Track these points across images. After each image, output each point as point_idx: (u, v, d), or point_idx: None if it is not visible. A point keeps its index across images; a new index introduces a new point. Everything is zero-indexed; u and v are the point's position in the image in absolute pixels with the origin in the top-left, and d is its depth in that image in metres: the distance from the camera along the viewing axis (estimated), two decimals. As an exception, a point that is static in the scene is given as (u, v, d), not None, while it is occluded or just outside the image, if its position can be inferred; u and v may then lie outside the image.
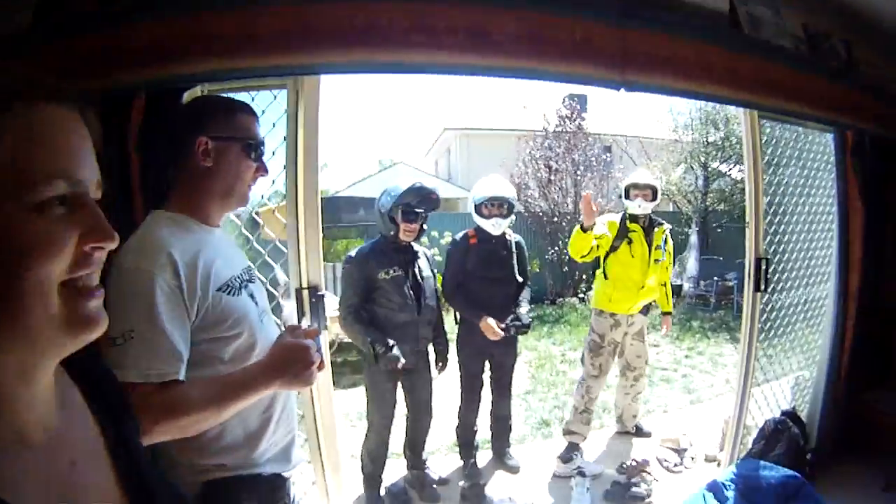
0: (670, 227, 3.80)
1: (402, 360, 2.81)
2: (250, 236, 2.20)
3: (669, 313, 3.98)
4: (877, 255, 3.01)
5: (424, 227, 3.06)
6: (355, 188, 17.29)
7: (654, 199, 3.66)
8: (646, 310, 3.74)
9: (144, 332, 1.10)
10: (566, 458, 3.32)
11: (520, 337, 3.42)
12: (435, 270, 3.23)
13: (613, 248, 3.64)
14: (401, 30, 1.61)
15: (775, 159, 3.02)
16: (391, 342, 2.81)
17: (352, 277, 2.93)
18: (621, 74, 1.81)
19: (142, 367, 1.10)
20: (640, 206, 3.62)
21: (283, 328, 1.44)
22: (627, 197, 3.69)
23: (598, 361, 3.68)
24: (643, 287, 3.58)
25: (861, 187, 2.91)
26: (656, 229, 3.71)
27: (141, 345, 1.10)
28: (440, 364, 3.23)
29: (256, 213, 2.24)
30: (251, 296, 1.38)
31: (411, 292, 2.96)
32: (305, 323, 1.43)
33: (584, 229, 3.30)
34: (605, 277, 3.68)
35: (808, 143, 3.14)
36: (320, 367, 1.34)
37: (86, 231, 0.55)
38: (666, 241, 3.73)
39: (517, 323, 3.22)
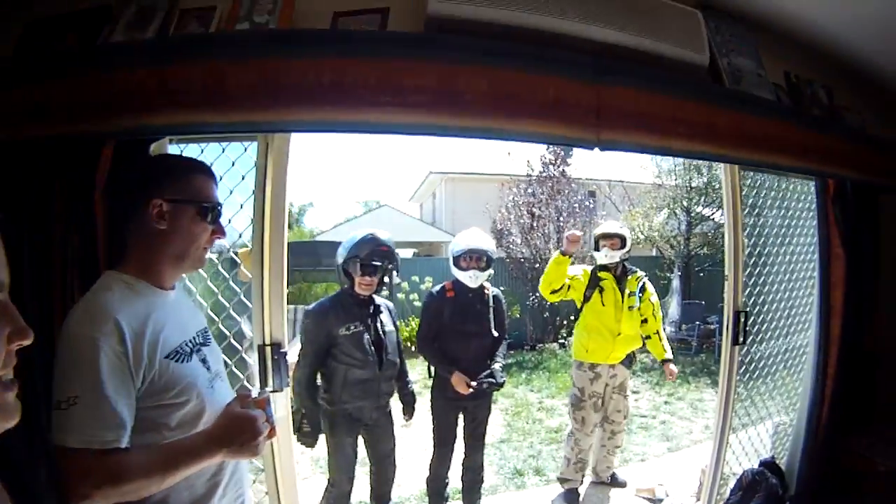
0: (646, 274, 3.81)
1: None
2: (227, 275, 2.14)
3: (669, 360, 3.86)
4: (858, 302, 2.98)
5: (386, 279, 2.98)
6: (339, 230, 17.30)
7: (623, 247, 3.70)
8: (628, 362, 3.71)
9: (88, 399, 1.09)
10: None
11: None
12: (397, 324, 3.15)
13: (586, 298, 3.68)
14: (368, 88, 1.56)
15: (759, 201, 3.01)
16: (316, 430, 2.87)
17: (311, 333, 2.85)
18: (596, 133, 1.77)
19: (85, 433, 1.09)
20: (606, 256, 3.67)
21: (247, 390, 1.41)
22: (596, 248, 3.74)
23: (580, 415, 3.69)
24: (619, 335, 3.57)
25: (843, 235, 2.88)
26: (629, 277, 3.73)
27: (84, 411, 1.09)
28: (407, 415, 3.18)
29: (235, 253, 2.18)
30: (203, 360, 1.35)
31: (372, 348, 2.86)
32: (255, 391, 1.38)
33: (563, 253, 3.41)
34: (582, 329, 3.72)
35: (790, 191, 3.13)
36: (270, 436, 1.33)
37: (13, 332, 0.57)
38: (643, 290, 3.73)
39: (490, 380, 3.18)
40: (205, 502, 1.31)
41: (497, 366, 3.25)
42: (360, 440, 3.03)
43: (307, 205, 27.59)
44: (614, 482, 3.95)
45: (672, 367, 3.84)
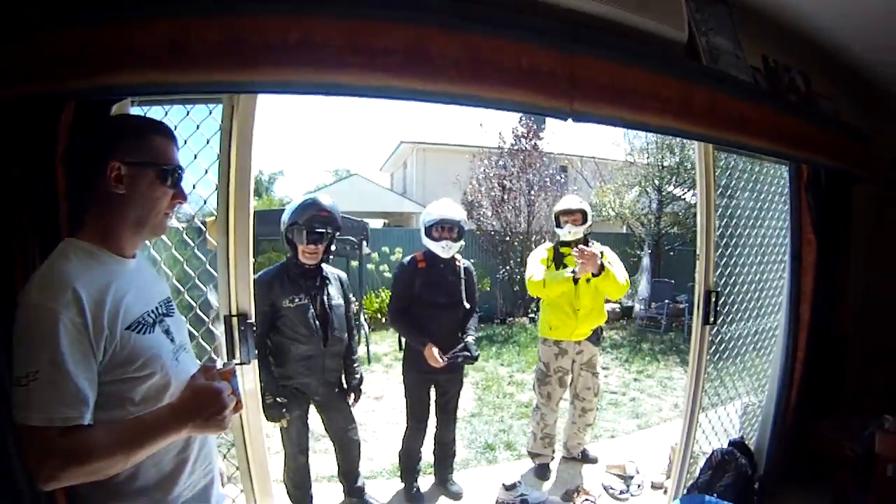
0: (606, 247, 3.69)
1: (284, 422, 2.75)
2: (192, 243, 2.08)
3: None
4: (828, 287, 3.01)
5: (332, 248, 2.88)
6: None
7: (585, 222, 3.64)
8: (595, 338, 3.68)
9: (48, 374, 1.06)
10: (510, 485, 3.25)
11: (466, 362, 3.37)
12: (350, 296, 3.07)
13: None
14: (336, 48, 1.51)
15: (732, 182, 3.02)
16: (280, 400, 2.71)
17: (256, 303, 2.72)
18: (569, 104, 1.74)
19: (46, 410, 1.06)
20: (570, 232, 3.61)
21: (212, 361, 1.36)
22: (558, 224, 3.68)
23: (545, 390, 3.67)
24: (579, 310, 3.53)
25: (815, 220, 2.90)
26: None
27: (45, 387, 1.05)
28: (353, 398, 3.08)
29: (202, 222, 2.12)
30: (166, 332, 1.31)
31: (317, 322, 2.79)
32: (221, 362, 1.34)
33: (575, 279, 3.40)
34: (545, 305, 3.69)
35: (763, 175, 3.14)
36: (237, 409, 1.29)
37: None
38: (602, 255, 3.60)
39: (465, 353, 3.18)
40: (173, 478, 1.29)
41: (470, 339, 3.25)
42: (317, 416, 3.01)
43: (277, 173, 27.32)
44: (585, 458, 3.95)
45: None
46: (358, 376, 3.08)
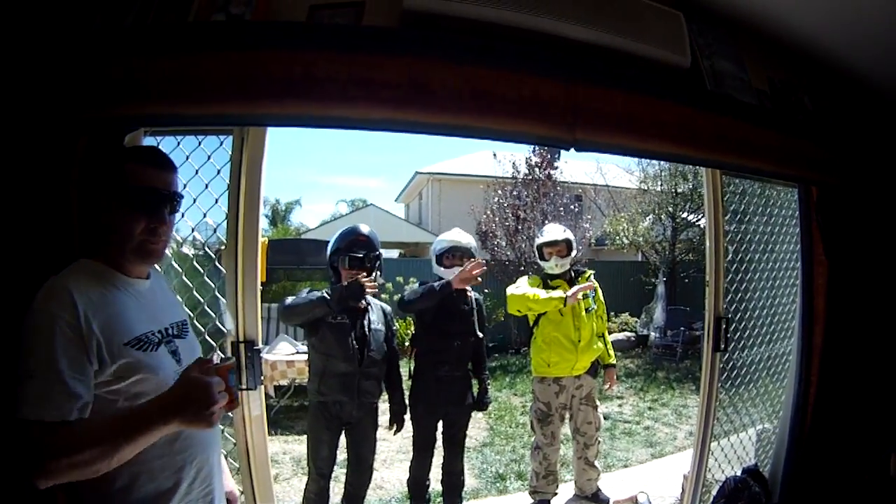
0: (593, 272, 3.72)
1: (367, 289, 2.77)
2: (201, 269, 2.12)
3: (612, 366, 3.85)
4: (841, 310, 2.96)
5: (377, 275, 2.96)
6: (325, 228, 17.37)
7: (570, 252, 3.60)
8: (594, 371, 3.64)
9: (42, 372, 1.12)
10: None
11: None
12: (395, 328, 3.15)
13: (542, 311, 3.55)
14: (339, 82, 1.55)
15: (743, 207, 3.00)
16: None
17: (305, 300, 2.84)
18: (571, 133, 1.75)
19: (37, 405, 1.11)
20: (557, 265, 3.58)
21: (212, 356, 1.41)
22: (542, 257, 3.63)
23: (548, 430, 3.60)
24: (580, 342, 3.49)
25: (826, 242, 2.87)
26: (580, 279, 3.64)
27: (38, 384, 1.12)
28: (395, 425, 3.17)
29: (216, 251, 2.16)
30: (173, 352, 1.35)
31: (355, 343, 2.86)
32: (217, 357, 1.35)
33: (566, 303, 3.37)
34: (540, 342, 3.61)
35: (775, 198, 3.12)
36: (231, 406, 1.27)
37: None
38: (596, 291, 3.65)
39: (486, 400, 3.41)
40: (170, 495, 1.30)
41: (487, 386, 3.42)
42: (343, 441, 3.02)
43: (294, 202, 27.57)
44: (596, 499, 3.80)
45: (613, 373, 3.85)
46: (401, 403, 3.19)
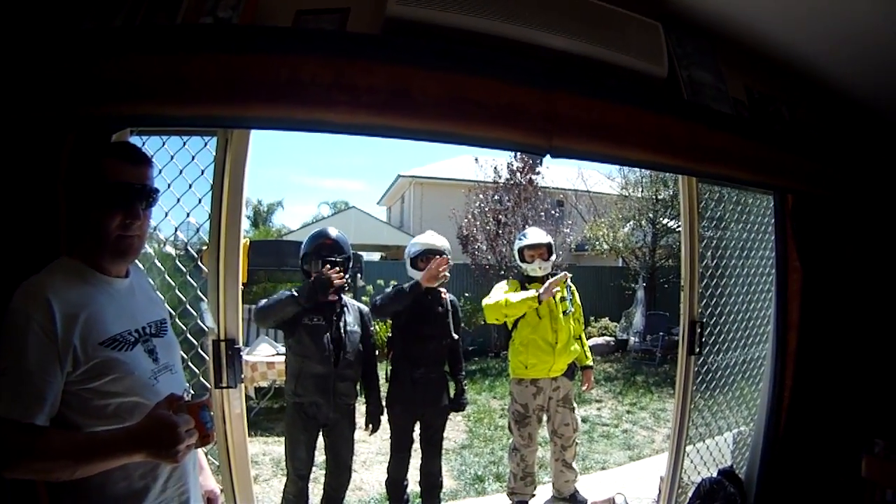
0: (570, 276, 3.69)
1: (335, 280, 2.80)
2: (183, 269, 2.15)
3: (590, 367, 3.90)
4: (815, 316, 3.02)
5: (353, 275, 3.01)
6: (306, 230, 17.33)
7: (551, 255, 3.65)
8: (570, 373, 3.67)
9: (13, 371, 1.14)
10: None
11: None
12: (372, 329, 3.18)
13: (519, 315, 3.56)
14: (322, 86, 1.58)
15: (719, 213, 3.05)
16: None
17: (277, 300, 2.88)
18: (548, 140, 1.80)
19: (6, 404, 1.13)
20: (540, 268, 3.61)
21: (182, 393, 1.39)
22: (524, 260, 3.67)
23: (525, 432, 3.62)
24: (557, 344, 3.53)
25: (800, 249, 2.93)
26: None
27: (10, 382, 1.14)
28: (370, 426, 3.17)
29: (197, 250, 2.18)
30: (150, 351, 1.36)
31: (330, 345, 2.88)
32: (189, 395, 1.36)
33: (540, 300, 3.36)
34: (518, 345, 3.64)
35: (752, 206, 3.18)
36: (204, 443, 1.29)
37: None
38: (573, 293, 3.71)
39: (463, 401, 3.44)
40: (143, 494, 1.31)
41: (464, 388, 3.45)
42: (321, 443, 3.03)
43: (276, 204, 27.34)
44: (573, 500, 3.82)
45: (591, 374, 3.91)
46: (377, 404, 3.19)
